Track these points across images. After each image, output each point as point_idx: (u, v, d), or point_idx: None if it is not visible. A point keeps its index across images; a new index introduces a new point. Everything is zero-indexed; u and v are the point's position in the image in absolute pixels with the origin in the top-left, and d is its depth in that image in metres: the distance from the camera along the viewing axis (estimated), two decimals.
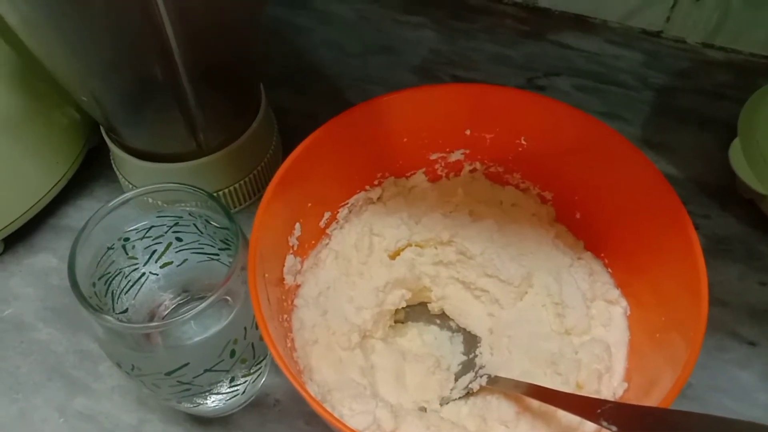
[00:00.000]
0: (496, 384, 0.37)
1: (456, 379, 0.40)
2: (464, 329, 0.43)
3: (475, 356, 0.41)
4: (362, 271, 0.42)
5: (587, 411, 0.30)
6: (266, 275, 0.35)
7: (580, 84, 0.59)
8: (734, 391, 0.43)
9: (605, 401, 0.31)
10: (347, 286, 0.41)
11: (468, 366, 0.40)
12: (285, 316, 0.38)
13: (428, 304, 0.44)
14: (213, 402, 0.38)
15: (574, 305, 0.39)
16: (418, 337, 0.43)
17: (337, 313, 0.40)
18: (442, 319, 0.44)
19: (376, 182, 0.44)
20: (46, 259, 0.49)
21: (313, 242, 0.42)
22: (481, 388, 0.38)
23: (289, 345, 0.37)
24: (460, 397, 0.39)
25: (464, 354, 0.42)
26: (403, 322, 0.44)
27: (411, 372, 0.40)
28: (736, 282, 0.47)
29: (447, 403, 0.39)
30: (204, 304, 0.31)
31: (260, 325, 0.31)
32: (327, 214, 0.43)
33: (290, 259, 0.39)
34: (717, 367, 0.44)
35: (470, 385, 0.38)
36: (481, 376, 0.38)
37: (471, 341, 0.42)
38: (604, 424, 0.29)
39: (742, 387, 0.43)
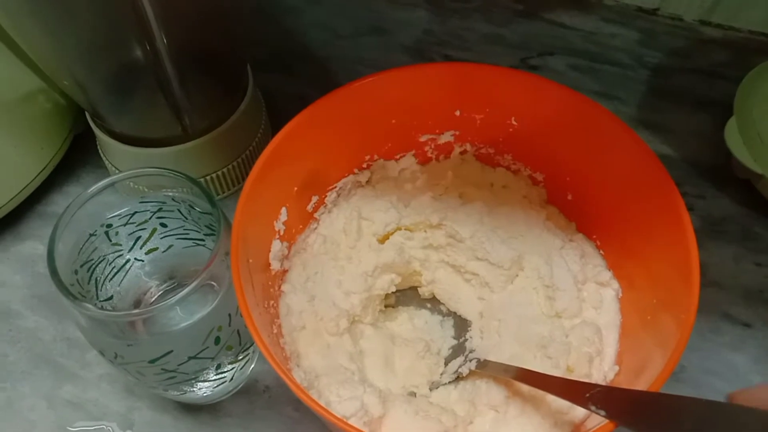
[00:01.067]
0: (485, 368, 0.37)
1: (446, 364, 0.40)
2: (455, 313, 0.42)
3: (466, 340, 0.40)
4: (351, 256, 0.41)
5: (576, 395, 0.30)
6: (250, 261, 0.34)
7: (574, 63, 0.58)
8: (727, 374, 0.43)
9: (594, 385, 0.30)
10: (335, 271, 0.41)
11: (458, 350, 0.40)
12: (272, 302, 0.38)
13: (418, 289, 0.43)
14: (200, 389, 0.38)
15: (564, 288, 0.38)
16: (409, 321, 0.42)
17: (325, 299, 0.39)
18: (433, 303, 0.43)
19: (364, 165, 0.44)
20: (32, 247, 0.49)
21: (300, 227, 0.42)
22: (471, 373, 0.38)
23: (275, 331, 0.37)
24: (449, 382, 0.38)
25: (455, 338, 0.41)
26: (393, 307, 0.43)
27: (400, 356, 0.39)
28: (731, 263, 0.47)
29: (436, 388, 0.38)
30: (186, 290, 0.31)
31: (243, 311, 0.31)
32: (314, 198, 0.42)
33: (276, 244, 0.39)
34: (711, 349, 0.44)
35: (459, 370, 0.38)
36: (470, 360, 0.38)
37: (462, 325, 0.41)
38: (593, 408, 0.28)
39: (736, 369, 0.43)
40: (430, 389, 0.38)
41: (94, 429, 0.41)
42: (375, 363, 0.39)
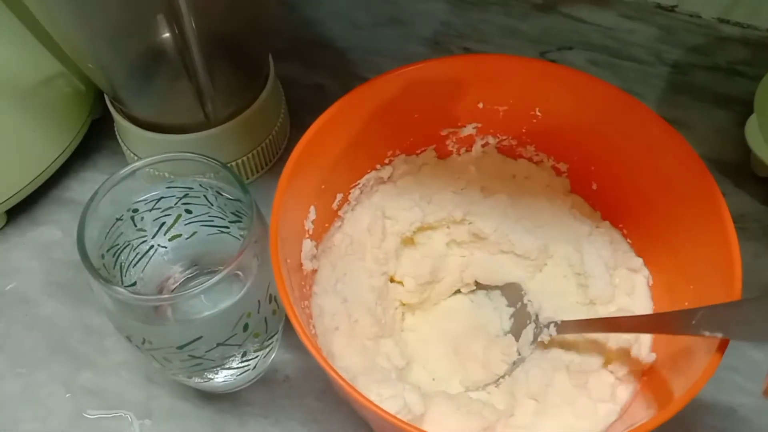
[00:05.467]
0: (568, 330, 0.36)
1: (517, 338, 0.39)
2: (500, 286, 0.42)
3: (525, 305, 0.40)
4: (377, 257, 0.41)
5: (681, 326, 0.30)
6: (288, 261, 0.34)
7: (593, 58, 0.58)
8: (747, 370, 0.43)
9: (697, 309, 0.30)
10: (363, 273, 0.40)
11: (521, 318, 0.39)
12: (306, 302, 0.37)
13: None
14: (223, 377, 0.38)
15: (596, 274, 0.38)
16: (450, 311, 0.42)
17: (357, 303, 0.38)
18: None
19: (386, 161, 0.43)
20: (49, 232, 0.48)
21: (326, 225, 0.41)
22: (553, 339, 0.37)
23: (313, 332, 0.36)
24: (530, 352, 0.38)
25: (510, 305, 0.41)
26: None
27: (467, 347, 0.39)
28: (751, 260, 0.47)
29: (521, 364, 0.38)
30: (217, 278, 0.31)
31: (288, 311, 0.30)
32: (339, 196, 0.41)
33: (307, 244, 0.38)
34: (731, 345, 0.43)
35: (540, 338, 0.37)
36: (546, 326, 0.37)
37: (513, 292, 0.41)
38: (707, 333, 0.28)
39: (756, 365, 0.43)
40: (513, 369, 0.38)
41: (112, 416, 0.41)
42: (434, 360, 0.39)
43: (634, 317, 0.33)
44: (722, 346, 0.29)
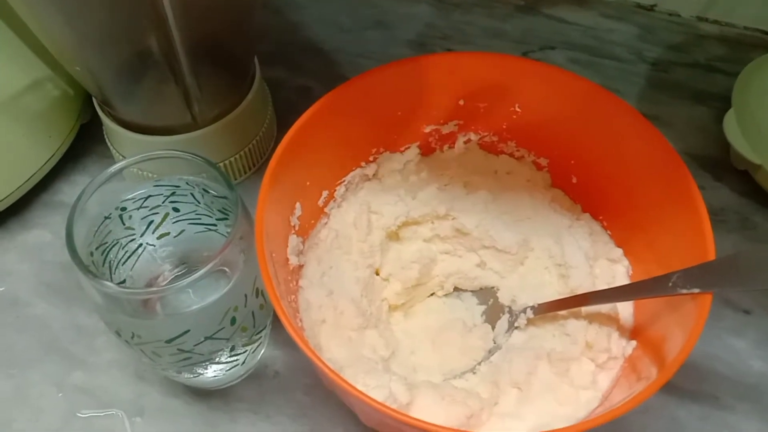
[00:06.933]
0: (545, 310, 0.38)
1: (493, 328, 0.40)
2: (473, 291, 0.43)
3: (496, 300, 0.41)
4: (363, 250, 0.42)
5: (660, 289, 0.32)
6: (273, 255, 0.35)
7: (574, 57, 0.59)
8: (728, 358, 0.44)
9: (672, 273, 0.32)
10: (349, 266, 0.41)
11: (494, 311, 0.41)
12: (292, 296, 0.38)
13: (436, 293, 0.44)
14: (213, 372, 0.38)
15: (577, 265, 0.39)
16: (428, 311, 0.42)
17: (342, 294, 0.39)
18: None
19: (371, 158, 0.44)
20: (39, 235, 0.49)
21: (312, 222, 0.42)
22: (533, 325, 0.39)
23: (299, 324, 0.37)
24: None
25: (481, 304, 0.42)
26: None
27: (445, 341, 0.40)
28: (730, 251, 0.48)
29: (498, 352, 0.39)
30: (202, 271, 0.31)
31: (274, 303, 0.30)
32: (325, 193, 0.42)
33: (293, 239, 0.39)
34: (712, 334, 0.44)
35: (516, 324, 0.39)
36: (522, 311, 0.38)
37: (485, 294, 0.42)
38: (684, 291, 0.30)
39: (737, 354, 0.44)
40: (490, 356, 0.39)
41: (104, 415, 0.42)
42: (419, 351, 0.39)
43: (611, 289, 0.34)
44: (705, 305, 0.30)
